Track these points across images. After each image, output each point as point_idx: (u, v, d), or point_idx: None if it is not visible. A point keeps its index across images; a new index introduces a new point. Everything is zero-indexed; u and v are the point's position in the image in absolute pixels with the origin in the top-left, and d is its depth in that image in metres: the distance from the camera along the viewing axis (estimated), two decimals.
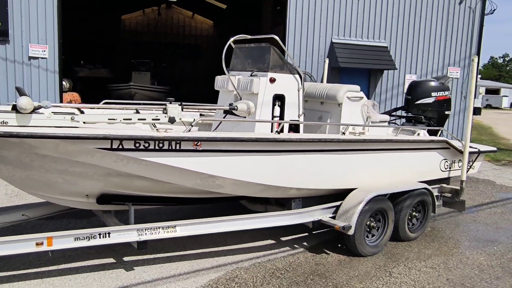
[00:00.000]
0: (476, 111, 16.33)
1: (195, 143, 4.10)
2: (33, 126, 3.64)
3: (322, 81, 9.25)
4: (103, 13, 27.02)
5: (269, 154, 4.61)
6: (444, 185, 6.73)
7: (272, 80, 5.32)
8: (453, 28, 13.14)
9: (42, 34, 10.22)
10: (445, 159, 6.51)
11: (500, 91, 60.32)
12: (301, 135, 5.19)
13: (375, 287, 4.54)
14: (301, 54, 12.16)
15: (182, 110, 4.19)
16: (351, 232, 5.06)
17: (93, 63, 21.89)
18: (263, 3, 18.36)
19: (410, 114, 8.00)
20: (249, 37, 5.82)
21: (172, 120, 4.09)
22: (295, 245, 5.59)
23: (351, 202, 5.22)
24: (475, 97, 13.28)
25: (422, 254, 5.50)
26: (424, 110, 7.79)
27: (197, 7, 31.79)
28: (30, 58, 10.19)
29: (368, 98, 12.73)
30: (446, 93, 7.77)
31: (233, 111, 4.86)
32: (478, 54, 13.36)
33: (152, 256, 4.99)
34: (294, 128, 5.55)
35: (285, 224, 5.03)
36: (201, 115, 6.19)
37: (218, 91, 6.09)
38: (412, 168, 6.13)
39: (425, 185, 5.96)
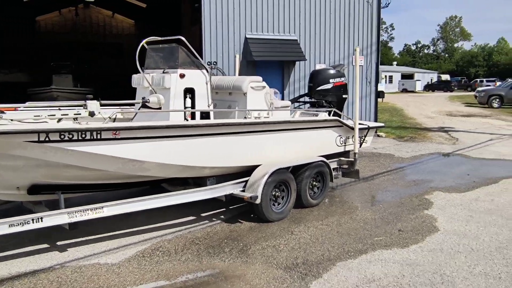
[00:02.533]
0: (380, 94, 18.07)
1: (114, 132, 4.76)
2: None
3: (235, 75, 10.11)
4: (15, 15, 26.13)
5: (180, 139, 5.37)
6: (342, 158, 7.86)
7: (182, 76, 6.07)
8: (354, 21, 14.54)
9: None
10: (339, 136, 7.61)
11: (414, 76, 64.94)
12: (205, 121, 5.96)
13: (278, 243, 5.46)
14: (218, 50, 12.96)
15: (100, 106, 4.83)
16: (258, 201, 5.96)
17: (9, 68, 21.32)
18: (182, 2, 18.92)
19: (313, 100, 9.10)
20: (159, 38, 6.52)
21: (92, 114, 4.72)
22: (213, 218, 6.41)
23: (257, 176, 6.11)
24: (377, 82, 14.81)
25: (320, 216, 6.53)
26: (324, 95, 8.89)
27: (117, 7, 31.53)
28: None
29: (283, 87, 13.84)
30: (342, 79, 8.91)
31: (146, 103, 5.56)
32: (377, 42, 14.90)
33: (84, 239, 5.57)
34: (205, 116, 6.35)
35: (200, 199, 5.82)
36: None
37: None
38: (312, 145, 7.15)
39: (322, 158, 7.01)
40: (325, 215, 6.55)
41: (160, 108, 6.05)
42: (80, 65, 25.98)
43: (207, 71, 6.37)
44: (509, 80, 31.50)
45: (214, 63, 12.94)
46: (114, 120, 7.10)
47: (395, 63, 75.49)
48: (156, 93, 6.18)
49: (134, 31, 33.17)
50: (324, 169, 7.03)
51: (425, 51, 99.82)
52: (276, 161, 6.41)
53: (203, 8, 12.56)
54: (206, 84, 6.35)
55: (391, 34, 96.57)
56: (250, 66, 13.17)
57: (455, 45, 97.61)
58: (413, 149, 12.48)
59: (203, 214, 6.57)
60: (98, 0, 29.70)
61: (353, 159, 7.67)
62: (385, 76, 55.40)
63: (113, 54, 30.76)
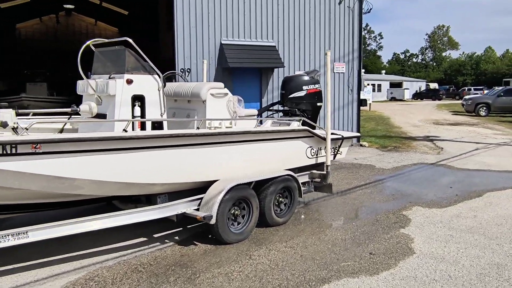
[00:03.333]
0: (362, 102, 17.60)
1: (34, 145, 4.11)
2: None
3: (203, 81, 9.50)
4: None
5: (118, 153, 4.72)
6: (314, 171, 7.25)
7: (129, 82, 5.44)
8: (335, 26, 14.04)
9: None
10: (310, 147, 7.01)
11: (402, 84, 64.84)
12: (146, 132, 5.29)
13: (232, 270, 4.82)
14: (192, 56, 12.35)
15: (16, 115, 4.18)
16: (212, 221, 5.31)
17: None
18: (158, 7, 18.35)
19: (285, 108, 8.51)
20: (105, 40, 5.89)
21: (4, 125, 4.06)
22: (166, 240, 5.75)
23: (212, 193, 5.47)
24: (360, 89, 14.30)
25: (286, 236, 5.90)
26: (297, 103, 8.31)
27: (99, 14, 30.95)
28: None
29: (261, 95, 13.25)
30: (317, 86, 8.35)
31: (79, 112, 4.91)
32: (359, 49, 14.40)
33: (9, 267, 4.88)
34: (158, 126, 5.71)
35: (145, 220, 5.15)
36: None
37: None
38: (278, 157, 6.53)
39: (289, 172, 6.39)
40: (291, 236, 5.91)
41: (104, 117, 5.41)
42: (58, 74, 25.21)
43: (159, 76, 5.75)
44: (496, 88, 31.26)
45: (188, 70, 12.35)
46: (61, 131, 6.46)
47: (383, 71, 75.53)
48: (102, 101, 5.55)
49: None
50: (292, 183, 6.41)
51: (414, 60, 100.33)
52: (235, 176, 5.79)
53: (175, 11, 11.97)
54: (159, 90, 5.72)
55: (380, 43, 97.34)
56: (226, 73, 12.58)
57: (443, 54, 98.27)
58: (396, 159, 11.92)
59: (155, 235, 5.91)
60: (80, 7, 29.13)
61: (325, 172, 7.07)
62: (373, 84, 55.10)
63: None
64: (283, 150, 6.57)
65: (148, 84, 5.63)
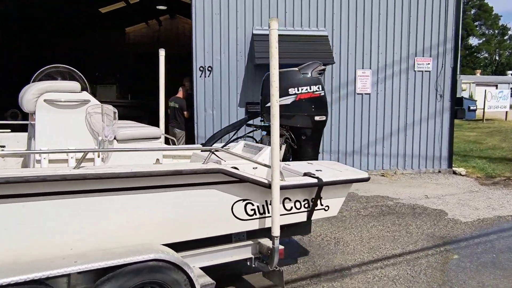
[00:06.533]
0: (458, 113, 13.07)
1: None
2: None
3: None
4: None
5: None
6: (261, 241, 4.04)
7: None
8: (418, 6, 10.11)
9: None
10: (244, 200, 3.82)
11: None
12: None
13: None
14: (214, 51, 9.69)
15: None
16: None
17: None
18: None
19: (266, 123, 5.44)
20: None
21: None
22: None
23: None
24: (454, 95, 10.19)
25: None
26: (281, 116, 5.19)
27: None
28: None
29: None
30: (315, 88, 5.17)
31: None
32: (455, 38, 10.22)
33: None
34: None
35: None
36: None
37: None
38: (158, 219, 3.48)
39: (161, 255, 3.26)
40: None
41: None
42: (148, 77, 24.66)
43: None
44: None
45: (209, 68, 9.73)
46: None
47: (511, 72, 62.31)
48: None
49: None
50: (169, 276, 3.31)
51: None
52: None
53: None
54: None
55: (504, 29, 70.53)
56: (258, 72, 9.65)
57: None
58: (495, 202, 7.73)
59: None
60: (175, 7, 28.54)
61: (270, 249, 3.81)
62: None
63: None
64: (168, 206, 3.51)
65: None
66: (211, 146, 5.59)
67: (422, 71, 10.15)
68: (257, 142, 5.61)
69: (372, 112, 10.12)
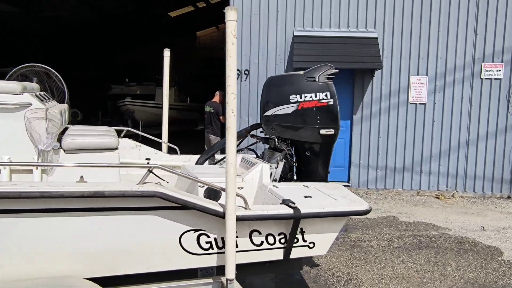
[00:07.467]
0: None
1: None
2: None
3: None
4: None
5: None
6: (223, 279, 3.30)
7: None
8: (489, 3, 8.71)
9: None
10: (196, 231, 3.10)
11: None
12: None
13: None
14: (252, 53, 9.06)
15: None
16: None
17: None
18: None
19: (265, 135, 4.72)
20: None
21: None
22: None
23: None
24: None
25: None
26: (281, 127, 4.47)
27: None
28: None
29: (352, 111, 9.04)
30: (321, 96, 4.39)
31: None
32: None
33: None
34: None
35: None
36: None
37: None
38: (78, 249, 2.87)
39: None
40: None
41: None
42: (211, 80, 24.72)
43: None
44: None
45: (246, 72, 9.12)
46: None
47: None
48: None
49: None
50: None
51: None
52: None
53: None
54: None
55: None
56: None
57: None
58: None
59: None
60: None
61: None
62: None
63: None
64: (94, 234, 2.88)
65: None
66: (205, 160, 4.92)
67: (490, 78, 8.71)
68: (257, 156, 4.87)
69: (427, 124, 8.87)
